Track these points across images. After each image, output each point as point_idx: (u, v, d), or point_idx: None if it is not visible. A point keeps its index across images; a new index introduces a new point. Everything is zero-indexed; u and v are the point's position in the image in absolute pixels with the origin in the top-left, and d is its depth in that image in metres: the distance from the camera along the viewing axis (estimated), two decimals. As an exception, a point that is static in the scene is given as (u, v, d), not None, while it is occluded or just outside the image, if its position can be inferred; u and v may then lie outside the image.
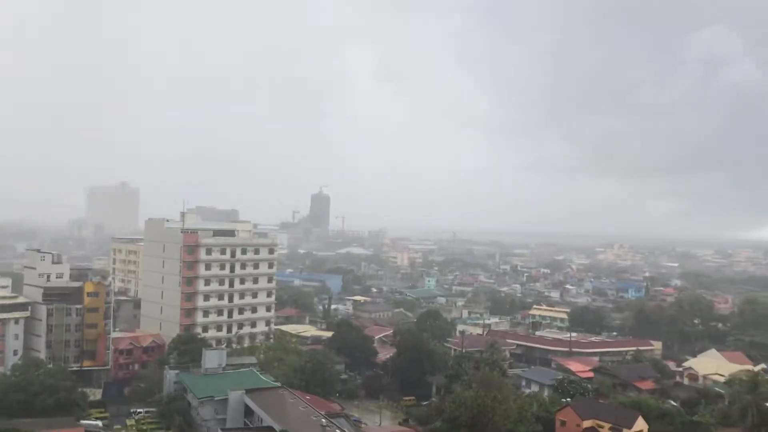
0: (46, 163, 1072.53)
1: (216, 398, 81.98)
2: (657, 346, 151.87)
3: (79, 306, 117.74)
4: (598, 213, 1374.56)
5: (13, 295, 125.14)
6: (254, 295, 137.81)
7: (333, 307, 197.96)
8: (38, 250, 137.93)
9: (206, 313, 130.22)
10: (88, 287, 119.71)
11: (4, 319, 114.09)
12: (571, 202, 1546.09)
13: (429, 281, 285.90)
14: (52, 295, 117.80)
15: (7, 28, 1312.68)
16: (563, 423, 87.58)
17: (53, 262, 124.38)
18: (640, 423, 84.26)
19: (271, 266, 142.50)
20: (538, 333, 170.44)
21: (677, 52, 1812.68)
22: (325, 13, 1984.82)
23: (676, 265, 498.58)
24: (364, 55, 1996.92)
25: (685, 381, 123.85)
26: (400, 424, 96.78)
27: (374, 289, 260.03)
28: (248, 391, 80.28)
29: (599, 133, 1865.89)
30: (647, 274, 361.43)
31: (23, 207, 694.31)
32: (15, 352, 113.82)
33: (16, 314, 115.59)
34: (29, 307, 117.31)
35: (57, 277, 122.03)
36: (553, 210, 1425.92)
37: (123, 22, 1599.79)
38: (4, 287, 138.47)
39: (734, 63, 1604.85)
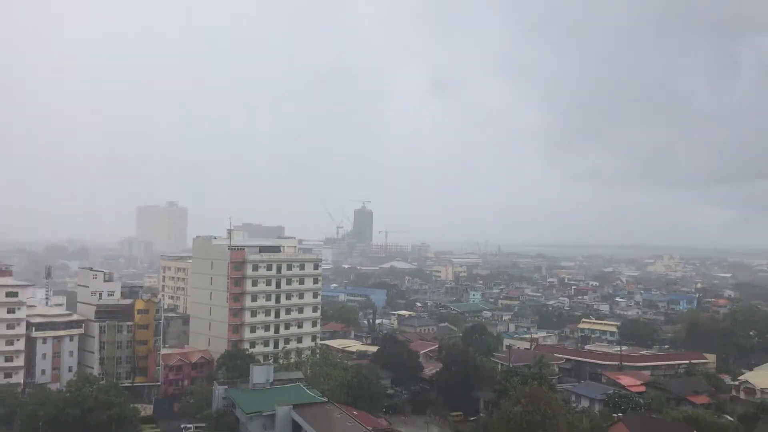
0: (96, 184, 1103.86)
1: (264, 413, 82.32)
2: (711, 359, 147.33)
3: (130, 323, 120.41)
4: (646, 224, 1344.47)
5: (67, 312, 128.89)
6: (300, 311, 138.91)
7: (378, 321, 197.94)
8: (90, 269, 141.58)
9: (253, 329, 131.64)
10: (139, 304, 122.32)
11: (60, 336, 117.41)
12: (619, 213, 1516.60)
13: (474, 295, 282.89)
14: (104, 312, 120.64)
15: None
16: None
17: (105, 281, 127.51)
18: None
19: (316, 281, 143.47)
20: (587, 347, 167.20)
21: (733, 57, 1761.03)
22: (372, 31, 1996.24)
23: (728, 275, 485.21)
24: (410, 71, 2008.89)
25: (742, 395, 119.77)
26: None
27: (418, 304, 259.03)
28: (295, 407, 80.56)
29: (650, 143, 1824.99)
30: (699, 286, 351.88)
31: (76, 227, 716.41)
32: (70, 369, 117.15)
33: (71, 331, 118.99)
34: (83, 325, 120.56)
35: (109, 295, 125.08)
36: (601, 221, 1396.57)
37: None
38: (58, 305, 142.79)
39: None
